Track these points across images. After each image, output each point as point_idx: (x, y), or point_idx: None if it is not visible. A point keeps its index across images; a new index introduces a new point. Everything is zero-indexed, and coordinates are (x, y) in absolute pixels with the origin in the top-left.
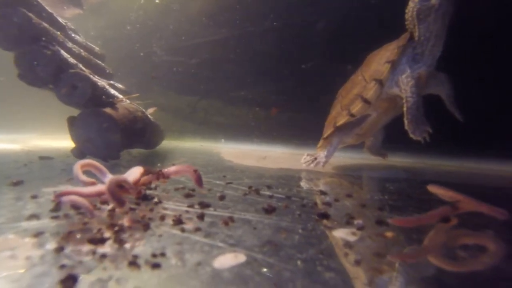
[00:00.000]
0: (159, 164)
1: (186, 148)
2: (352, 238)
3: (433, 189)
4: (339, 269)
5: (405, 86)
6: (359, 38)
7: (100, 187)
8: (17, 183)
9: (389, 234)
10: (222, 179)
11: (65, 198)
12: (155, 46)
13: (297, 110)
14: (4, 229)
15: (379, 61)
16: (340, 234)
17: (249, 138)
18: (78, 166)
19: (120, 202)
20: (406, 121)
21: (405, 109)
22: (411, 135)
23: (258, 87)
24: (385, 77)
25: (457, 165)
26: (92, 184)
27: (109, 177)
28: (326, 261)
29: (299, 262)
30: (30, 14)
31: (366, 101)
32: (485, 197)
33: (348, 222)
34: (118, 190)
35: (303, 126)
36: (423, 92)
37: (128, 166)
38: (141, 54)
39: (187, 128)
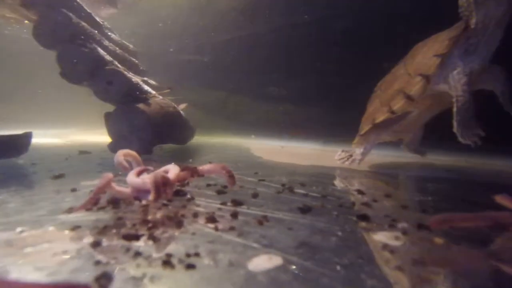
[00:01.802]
0: (190, 160)
1: (215, 143)
2: (394, 243)
3: (503, 200)
4: (381, 276)
5: (456, 84)
6: (396, 31)
7: (141, 180)
8: (58, 176)
9: (438, 240)
10: (254, 175)
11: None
12: (186, 42)
13: (326, 105)
14: (44, 221)
15: (427, 53)
16: (381, 237)
17: (279, 134)
18: (121, 154)
19: (159, 198)
20: (455, 123)
21: (454, 109)
22: (460, 139)
23: (288, 83)
24: (433, 73)
25: (503, 165)
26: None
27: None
28: (367, 267)
29: (338, 267)
30: (70, 14)
31: (409, 98)
32: None
33: (390, 225)
34: (162, 185)
35: (333, 122)
36: (474, 88)
37: (160, 161)
38: (171, 50)
39: (217, 123)
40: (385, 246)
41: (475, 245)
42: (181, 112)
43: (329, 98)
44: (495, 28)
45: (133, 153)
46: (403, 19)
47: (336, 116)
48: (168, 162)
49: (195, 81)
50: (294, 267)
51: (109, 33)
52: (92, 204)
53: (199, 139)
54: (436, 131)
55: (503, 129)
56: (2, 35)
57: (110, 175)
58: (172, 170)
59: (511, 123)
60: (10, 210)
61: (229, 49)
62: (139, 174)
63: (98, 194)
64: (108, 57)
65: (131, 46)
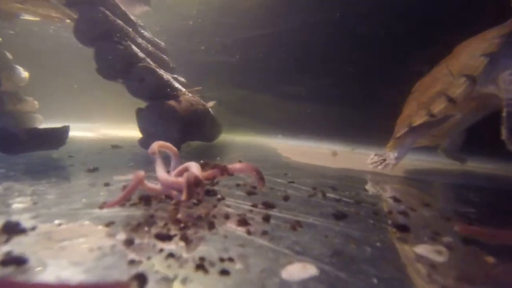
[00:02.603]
0: (218, 158)
1: (241, 142)
2: (437, 258)
3: None
4: None
5: (507, 86)
6: (425, 32)
7: (174, 179)
8: (92, 170)
9: (488, 258)
10: (283, 177)
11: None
12: (213, 40)
13: (355, 106)
14: (80, 214)
15: (472, 53)
16: (422, 251)
17: (306, 135)
18: (156, 145)
19: (191, 197)
20: (503, 130)
21: (503, 114)
22: (509, 146)
23: (314, 82)
24: (480, 73)
25: None
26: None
27: (178, 165)
28: (406, 282)
29: (375, 280)
30: (107, 12)
31: (451, 100)
32: None
33: (431, 237)
34: (194, 185)
35: (363, 124)
36: None
37: (188, 158)
38: (202, 48)
39: (241, 122)
40: (426, 261)
41: None
42: (210, 109)
43: (357, 99)
44: None
45: (170, 145)
46: (431, 19)
47: (365, 118)
48: (196, 159)
49: (220, 79)
50: (328, 277)
51: (142, 31)
52: (125, 200)
53: (224, 137)
54: (477, 137)
55: None
56: (39, 33)
57: (141, 173)
58: (194, 168)
59: None
60: (49, 202)
61: (255, 47)
62: (180, 173)
63: (130, 193)
64: (141, 54)
65: (162, 43)
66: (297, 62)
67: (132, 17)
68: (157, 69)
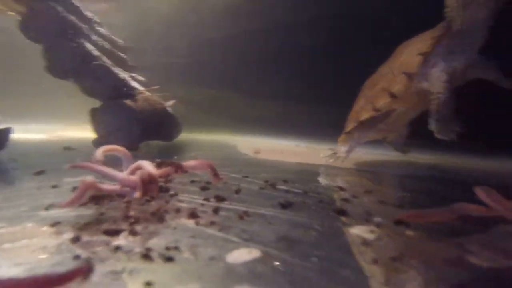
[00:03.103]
0: (175, 157)
1: (203, 141)
2: (370, 236)
3: (480, 193)
4: (355, 267)
5: (436, 81)
6: (387, 30)
7: (131, 177)
8: (39, 173)
9: (410, 233)
10: (238, 172)
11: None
12: (176, 39)
13: (315, 104)
14: (24, 217)
15: (410, 52)
16: (358, 231)
17: (266, 132)
18: (102, 151)
19: (146, 195)
20: (432, 120)
21: (433, 107)
22: (437, 135)
23: (277, 81)
24: (416, 71)
25: (484, 164)
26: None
27: (131, 165)
28: (342, 259)
29: (315, 259)
30: (58, 7)
31: (392, 96)
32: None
33: (366, 219)
34: (148, 183)
35: (321, 120)
36: (461, 83)
37: (147, 158)
38: (159, 47)
39: (206, 121)
40: (360, 239)
41: (444, 237)
42: (169, 108)
43: (318, 96)
44: (479, 29)
45: (121, 148)
46: (391, 20)
47: (325, 115)
48: (155, 159)
49: (185, 78)
50: (272, 259)
51: (98, 28)
52: (78, 202)
53: (187, 136)
54: (420, 130)
55: (487, 128)
56: None
57: (90, 178)
58: (147, 166)
59: (494, 123)
60: None
61: (220, 47)
62: (133, 171)
63: (83, 194)
64: (96, 52)
65: (120, 41)
66: (263, 62)
67: (88, 14)
68: (113, 68)
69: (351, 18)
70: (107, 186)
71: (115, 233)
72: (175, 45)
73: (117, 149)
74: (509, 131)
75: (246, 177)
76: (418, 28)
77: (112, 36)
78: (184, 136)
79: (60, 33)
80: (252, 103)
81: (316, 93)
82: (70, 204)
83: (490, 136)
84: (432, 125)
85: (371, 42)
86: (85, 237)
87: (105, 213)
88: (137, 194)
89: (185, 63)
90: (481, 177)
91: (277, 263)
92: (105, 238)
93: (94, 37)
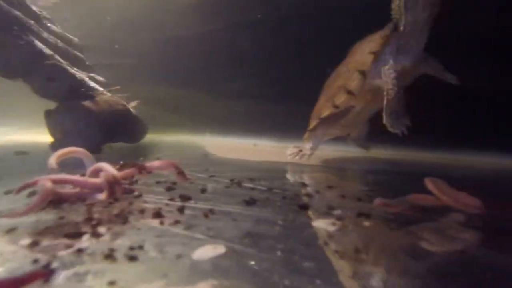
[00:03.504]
0: (141, 158)
1: (169, 141)
2: (331, 228)
3: (429, 184)
4: (318, 259)
5: (386, 78)
6: (348, 29)
7: (94, 180)
8: None
9: (367, 223)
10: (205, 172)
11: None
12: (137, 37)
13: (283, 103)
14: None
15: (363, 51)
16: (320, 224)
17: (234, 131)
18: (60, 154)
19: (111, 196)
20: (384, 115)
21: (385, 102)
22: (389, 129)
23: (245, 80)
24: (368, 68)
25: (437, 157)
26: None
27: (93, 166)
28: (305, 251)
29: (278, 252)
30: (0, 2)
31: (349, 93)
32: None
33: (327, 212)
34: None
35: (288, 119)
36: (409, 81)
37: (109, 160)
38: (116, 46)
39: (171, 121)
40: (322, 232)
41: (400, 226)
42: (132, 109)
43: (284, 95)
44: (422, 29)
45: (80, 149)
46: (352, 18)
47: (293, 113)
48: (118, 161)
49: (148, 78)
50: (237, 254)
51: (48, 24)
52: (36, 210)
53: (152, 137)
54: (380, 126)
55: (436, 124)
56: None
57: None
58: (107, 167)
59: (441, 120)
60: None
61: (184, 45)
62: (94, 174)
63: (41, 203)
64: (47, 51)
65: (75, 39)
66: (229, 60)
67: (35, 9)
68: (68, 67)
69: (314, 18)
70: (67, 190)
71: (76, 236)
72: (136, 43)
73: (76, 151)
74: (457, 125)
75: (213, 176)
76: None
77: (66, 34)
78: (150, 137)
79: (4, 29)
80: (218, 102)
81: (281, 92)
82: (29, 211)
83: (440, 130)
84: (385, 119)
85: (333, 41)
86: (45, 242)
87: (65, 217)
88: (102, 196)
89: (148, 62)
90: (434, 169)
91: (242, 258)
92: (66, 241)
93: (45, 35)
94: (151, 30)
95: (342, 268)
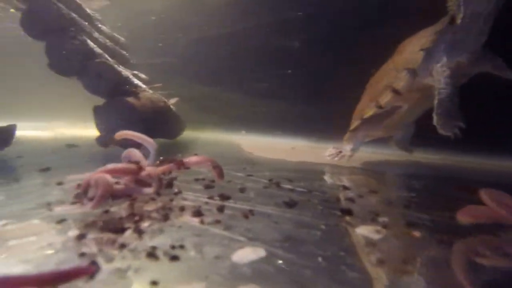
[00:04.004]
0: (179, 155)
1: (206, 139)
2: (375, 236)
3: (484, 195)
4: (361, 268)
5: (439, 76)
6: (380, 27)
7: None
8: (45, 170)
9: (416, 233)
10: (242, 171)
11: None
12: (177, 37)
13: (318, 103)
14: (30, 214)
15: (413, 48)
16: (363, 231)
17: (270, 131)
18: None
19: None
20: (435, 116)
21: (436, 101)
22: (440, 131)
23: (279, 80)
24: (419, 66)
25: (487, 163)
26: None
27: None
28: (348, 259)
29: (320, 259)
30: (60, 5)
31: (396, 92)
32: None
33: (372, 219)
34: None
35: (324, 119)
36: (465, 79)
37: (149, 155)
38: (159, 45)
39: (207, 119)
40: (365, 239)
41: (450, 238)
42: (172, 106)
43: (322, 95)
44: (483, 24)
45: (150, 140)
46: (391, 18)
47: (329, 114)
48: (158, 156)
49: (186, 77)
50: (277, 259)
51: (99, 25)
52: (103, 201)
53: (189, 134)
54: (426, 129)
55: (486, 129)
56: None
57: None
58: (137, 154)
59: (498, 121)
60: None
61: (220, 44)
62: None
63: (104, 197)
64: (98, 50)
65: (122, 39)
66: (263, 60)
67: (89, 11)
68: (116, 65)
69: (347, 15)
70: (119, 187)
71: (120, 231)
72: (175, 43)
73: (146, 138)
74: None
75: (251, 175)
76: (416, 25)
77: (114, 34)
78: (187, 134)
79: (62, 30)
80: (252, 101)
81: (318, 92)
82: (96, 205)
83: (493, 135)
84: (436, 120)
85: (365, 39)
86: (91, 235)
87: (109, 211)
88: (151, 190)
89: (186, 61)
90: (483, 177)
91: (283, 263)
92: (110, 235)
93: (96, 35)
94: (189, 30)
95: (386, 280)
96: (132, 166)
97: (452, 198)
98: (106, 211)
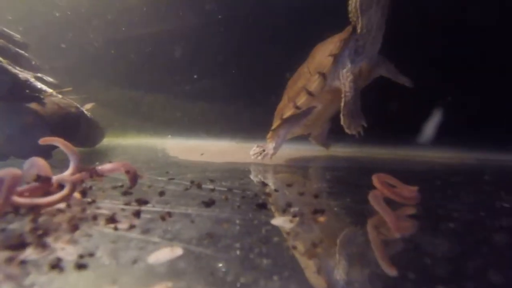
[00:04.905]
0: (97, 163)
1: (129, 145)
2: (288, 225)
3: (374, 179)
4: (276, 256)
5: (344, 81)
6: (309, 29)
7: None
8: None
9: (321, 219)
10: (165, 175)
11: None
12: (89, 36)
13: (243, 103)
14: None
15: (323, 53)
16: (278, 222)
17: (196, 133)
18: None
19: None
20: (342, 117)
21: (342, 104)
22: (346, 130)
23: (204, 81)
24: (328, 70)
25: (392, 153)
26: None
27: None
28: (264, 249)
29: (237, 252)
30: None
31: (310, 94)
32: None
33: (285, 210)
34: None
35: (250, 119)
36: (366, 83)
37: (61, 166)
38: (62, 46)
39: (130, 124)
40: (280, 229)
41: (352, 220)
42: (86, 112)
43: (245, 96)
44: (377, 31)
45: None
46: (315, 21)
47: (254, 114)
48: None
49: (104, 79)
50: (194, 255)
51: None
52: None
53: (110, 141)
54: (339, 126)
55: (389, 123)
56: None
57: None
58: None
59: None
60: None
61: (141, 46)
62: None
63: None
64: None
65: (17, 36)
66: (187, 61)
67: None
68: (10, 66)
69: (270, 18)
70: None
71: (19, 247)
72: (91, 42)
73: (68, 145)
74: (410, 122)
75: (172, 179)
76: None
77: (5, 29)
78: (108, 141)
79: None
80: (176, 104)
81: (240, 93)
82: None
83: (398, 128)
84: (342, 120)
85: (292, 41)
86: None
87: (6, 229)
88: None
89: (102, 63)
90: (387, 164)
91: (199, 259)
92: (8, 253)
93: None
94: (105, 30)
95: (301, 264)
96: (37, 185)
97: (359, 186)
98: (2, 230)
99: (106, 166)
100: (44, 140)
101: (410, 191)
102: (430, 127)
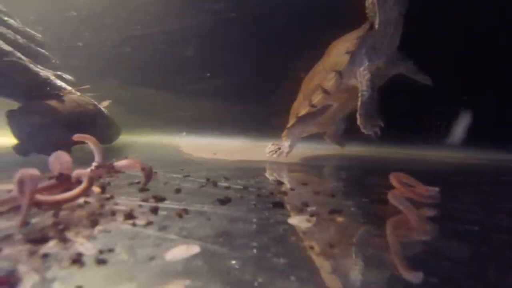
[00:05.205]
0: (114, 159)
1: (144, 142)
2: (305, 225)
3: (393, 179)
4: (292, 256)
5: (361, 79)
6: (320, 28)
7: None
8: None
9: (339, 219)
10: (180, 172)
11: None
12: (104, 35)
13: (256, 102)
14: None
15: (339, 51)
16: (294, 221)
17: (209, 131)
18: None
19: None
20: (358, 116)
21: (358, 103)
22: (362, 130)
23: (217, 80)
24: (344, 68)
25: (408, 153)
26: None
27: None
28: (280, 248)
29: (253, 250)
30: None
31: (326, 92)
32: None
33: (301, 209)
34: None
35: (263, 118)
36: (383, 81)
37: (80, 162)
38: (79, 44)
39: (145, 122)
40: (296, 228)
41: (368, 220)
42: (103, 109)
43: (259, 95)
44: (394, 28)
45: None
46: (325, 19)
47: (266, 112)
48: (90, 163)
49: (120, 78)
50: (210, 253)
51: (6, 18)
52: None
53: (126, 139)
54: (355, 124)
55: (403, 123)
56: None
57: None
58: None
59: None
60: None
61: (155, 44)
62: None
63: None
64: (6, 47)
65: (38, 35)
66: (201, 60)
67: None
68: (31, 65)
69: (284, 17)
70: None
71: (41, 241)
72: (106, 41)
73: (94, 141)
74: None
75: (188, 176)
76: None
77: (27, 29)
78: (124, 138)
79: None
80: (191, 103)
81: (253, 92)
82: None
83: (410, 128)
84: (359, 120)
85: (307, 40)
86: (6, 249)
87: (29, 223)
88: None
89: (119, 62)
90: (404, 164)
91: (215, 257)
92: (30, 247)
93: (2, 29)
94: (120, 28)
95: (317, 264)
96: (56, 182)
97: (374, 186)
98: (26, 223)
99: (122, 162)
100: (77, 137)
101: (427, 190)
102: (458, 128)
